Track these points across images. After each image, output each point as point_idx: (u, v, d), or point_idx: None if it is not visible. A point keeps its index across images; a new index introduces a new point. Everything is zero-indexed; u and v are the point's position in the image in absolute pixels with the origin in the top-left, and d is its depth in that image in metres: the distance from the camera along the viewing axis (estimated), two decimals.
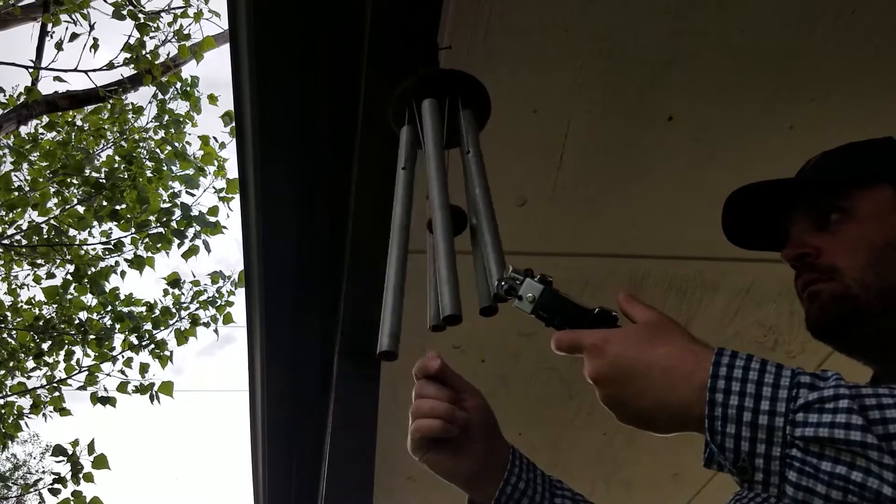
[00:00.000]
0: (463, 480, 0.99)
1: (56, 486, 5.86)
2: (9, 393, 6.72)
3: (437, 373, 0.96)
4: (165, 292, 7.08)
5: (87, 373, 6.68)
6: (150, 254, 6.78)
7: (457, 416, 0.94)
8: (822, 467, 0.65)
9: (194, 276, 7.21)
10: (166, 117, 7.46)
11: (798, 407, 0.67)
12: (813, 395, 0.67)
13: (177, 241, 6.77)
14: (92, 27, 6.63)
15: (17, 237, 7.02)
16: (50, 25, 7.01)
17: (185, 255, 6.78)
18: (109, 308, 6.89)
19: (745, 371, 0.70)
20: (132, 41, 6.90)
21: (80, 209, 6.93)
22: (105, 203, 6.72)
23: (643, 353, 0.77)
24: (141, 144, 7.34)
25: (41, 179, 6.99)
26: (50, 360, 6.82)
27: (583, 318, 0.87)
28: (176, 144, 7.39)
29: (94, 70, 6.94)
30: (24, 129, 7.22)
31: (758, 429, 0.68)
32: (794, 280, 1.00)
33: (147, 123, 7.50)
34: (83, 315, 6.93)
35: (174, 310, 7.00)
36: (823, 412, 0.66)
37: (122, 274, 6.86)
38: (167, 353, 6.90)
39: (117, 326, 6.87)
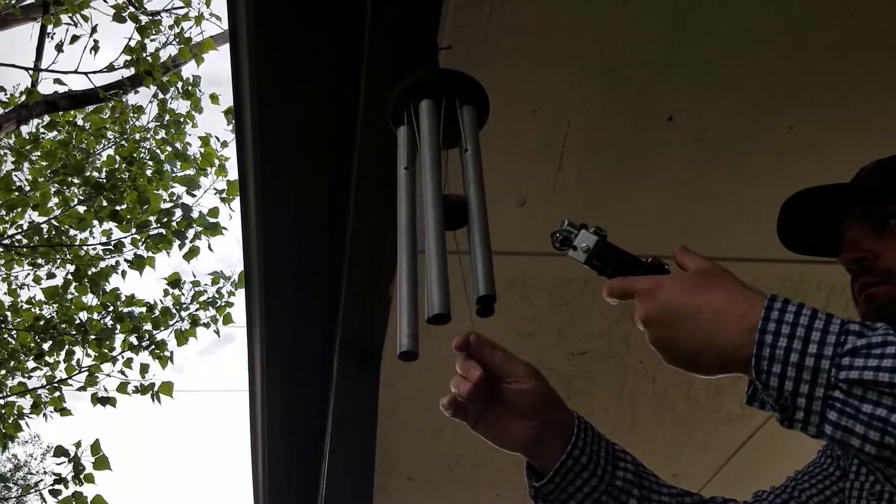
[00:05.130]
0: (515, 448, 1.01)
1: (57, 486, 5.86)
2: (9, 393, 6.73)
3: (458, 348, 0.97)
4: (166, 293, 7.09)
5: (87, 373, 6.69)
6: (150, 254, 6.79)
7: (461, 389, 0.95)
8: (863, 409, 0.67)
9: (195, 276, 7.23)
10: (167, 117, 7.47)
11: (845, 352, 0.70)
12: (861, 341, 0.70)
13: (177, 242, 6.78)
14: (94, 29, 6.64)
15: (18, 237, 7.03)
16: (50, 26, 7.01)
17: (186, 257, 6.79)
18: (110, 308, 6.90)
19: (796, 316, 0.73)
20: (133, 43, 6.91)
21: (81, 209, 6.94)
22: (105, 203, 6.72)
23: (694, 296, 0.81)
24: (142, 144, 7.35)
25: (42, 179, 6.99)
26: (50, 361, 6.83)
27: (635, 267, 0.91)
28: (177, 145, 7.40)
29: (95, 72, 6.95)
30: (24, 129, 7.24)
31: (803, 370, 0.71)
32: (850, 283, 1.02)
33: (148, 123, 7.51)
34: (83, 315, 6.94)
35: (174, 310, 7.01)
36: (870, 357, 0.68)
37: (123, 274, 6.87)
38: (167, 353, 6.90)
39: (118, 327, 6.87)
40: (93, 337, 6.73)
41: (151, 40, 7.08)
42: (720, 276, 0.83)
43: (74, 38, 6.69)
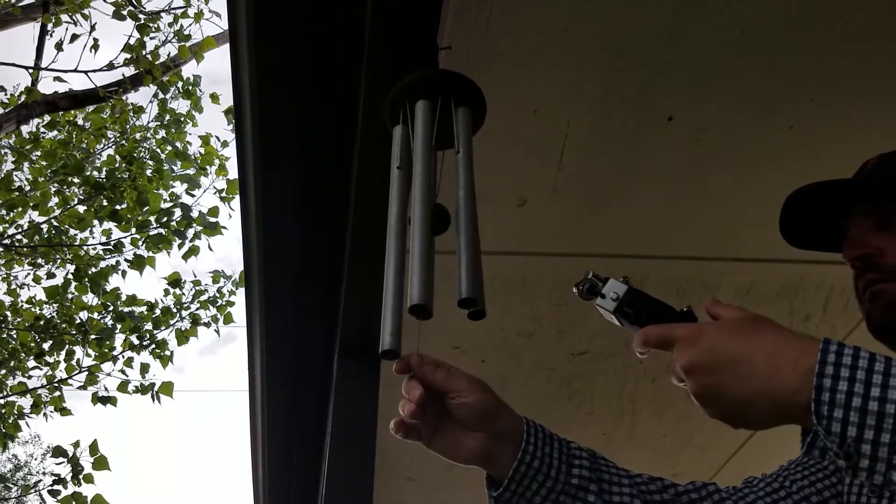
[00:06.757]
0: (470, 462, 1.01)
1: (56, 487, 5.86)
2: (9, 393, 6.73)
3: (399, 372, 0.98)
4: (166, 292, 7.09)
5: (87, 373, 6.69)
6: (150, 253, 6.79)
7: (405, 410, 0.96)
8: None
9: (195, 276, 7.23)
10: (167, 116, 7.48)
11: None
12: None
13: (177, 242, 6.79)
14: (93, 28, 6.64)
15: (18, 237, 7.03)
16: (50, 25, 7.01)
17: (186, 256, 6.80)
18: (111, 308, 6.90)
19: (854, 359, 0.70)
20: (132, 41, 6.92)
21: (81, 209, 6.94)
22: (105, 203, 6.73)
23: (743, 340, 0.77)
24: (142, 144, 7.36)
25: (42, 179, 7.00)
26: (50, 360, 6.82)
27: (669, 315, 0.88)
28: (177, 144, 7.40)
29: (95, 70, 6.95)
30: (25, 129, 7.24)
31: (867, 414, 0.67)
32: (853, 280, 1.00)
33: (148, 123, 7.52)
34: (84, 315, 6.94)
35: (175, 309, 7.01)
36: None
37: (123, 273, 6.88)
38: (168, 353, 6.90)
39: (118, 326, 6.87)
40: (93, 336, 6.73)
41: (151, 38, 7.09)
42: (765, 322, 0.79)
43: (74, 37, 6.69)
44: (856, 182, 1.05)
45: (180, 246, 6.84)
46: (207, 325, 7.03)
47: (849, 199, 1.03)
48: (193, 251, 6.85)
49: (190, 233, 6.87)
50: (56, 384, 6.73)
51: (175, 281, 7.03)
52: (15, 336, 6.92)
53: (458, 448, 0.99)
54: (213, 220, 6.93)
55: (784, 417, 0.74)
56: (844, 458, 0.69)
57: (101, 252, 6.86)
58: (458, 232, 1.05)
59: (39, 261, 7.00)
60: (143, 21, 6.92)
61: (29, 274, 7.24)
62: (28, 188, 7.03)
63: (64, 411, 6.74)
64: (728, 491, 1.10)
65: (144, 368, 6.75)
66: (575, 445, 1.04)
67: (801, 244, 1.12)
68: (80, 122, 7.56)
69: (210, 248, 6.76)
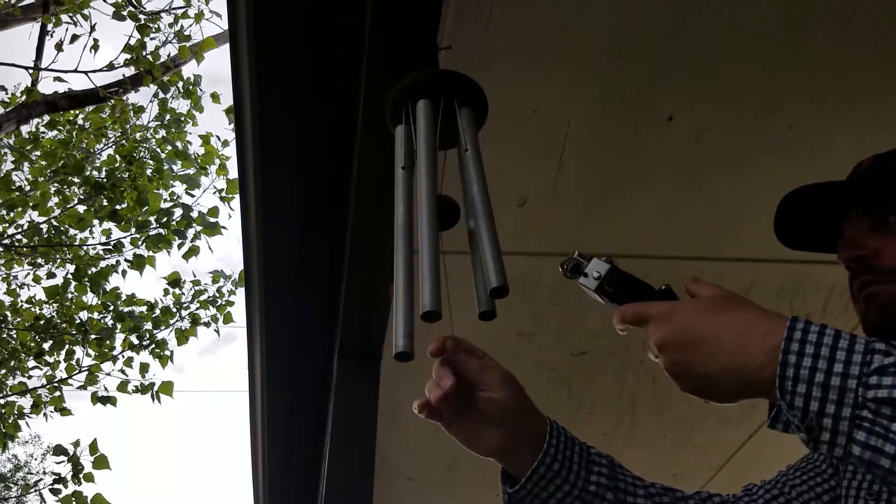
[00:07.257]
0: (486, 455, 1.00)
1: (56, 486, 5.86)
2: (9, 393, 6.73)
3: (433, 354, 0.97)
4: (166, 292, 7.10)
5: (87, 372, 6.69)
6: (150, 253, 6.79)
7: (432, 396, 0.95)
8: (893, 428, 0.65)
9: (195, 276, 7.23)
10: (167, 116, 7.48)
11: (872, 371, 0.68)
12: (889, 359, 0.68)
13: (177, 242, 6.79)
14: (93, 28, 6.64)
15: (18, 237, 7.03)
16: (50, 25, 7.01)
17: (186, 256, 6.80)
18: (111, 308, 6.90)
19: (819, 336, 0.72)
20: (132, 42, 6.92)
21: (81, 209, 6.94)
22: (105, 203, 6.73)
23: (713, 318, 0.79)
24: (142, 144, 7.36)
25: (42, 179, 7.00)
26: (50, 360, 6.82)
27: (648, 293, 0.90)
28: (177, 144, 7.40)
29: (95, 70, 6.95)
30: (25, 129, 7.24)
31: (829, 389, 0.69)
32: (848, 281, 1.00)
33: (148, 122, 7.52)
34: (84, 315, 6.94)
35: (175, 309, 7.01)
36: None
37: (123, 273, 6.88)
38: (167, 352, 6.91)
39: (118, 326, 6.87)
40: (93, 336, 6.74)
41: (151, 39, 7.09)
42: (737, 300, 0.81)
43: (74, 38, 6.69)
44: (850, 183, 1.05)
45: (180, 246, 6.84)
46: (207, 324, 7.04)
47: (844, 200, 1.03)
48: (193, 251, 6.85)
49: (190, 233, 6.88)
50: (56, 384, 6.73)
51: (175, 281, 7.03)
52: (15, 336, 6.92)
53: (476, 440, 0.99)
54: (213, 220, 6.94)
55: (751, 392, 0.76)
56: (806, 432, 0.71)
57: (101, 252, 6.87)
58: (478, 225, 1.05)
59: (39, 261, 7.00)
60: (143, 21, 6.92)
61: (29, 274, 7.25)
62: (28, 188, 7.03)
63: (64, 411, 6.74)
64: (729, 500, 1.11)
65: (144, 368, 6.76)
66: (595, 451, 1.04)
67: (796, 245, 1.12)
68: (80, 122, 7.56)
69: (210, 248, 6.77)
